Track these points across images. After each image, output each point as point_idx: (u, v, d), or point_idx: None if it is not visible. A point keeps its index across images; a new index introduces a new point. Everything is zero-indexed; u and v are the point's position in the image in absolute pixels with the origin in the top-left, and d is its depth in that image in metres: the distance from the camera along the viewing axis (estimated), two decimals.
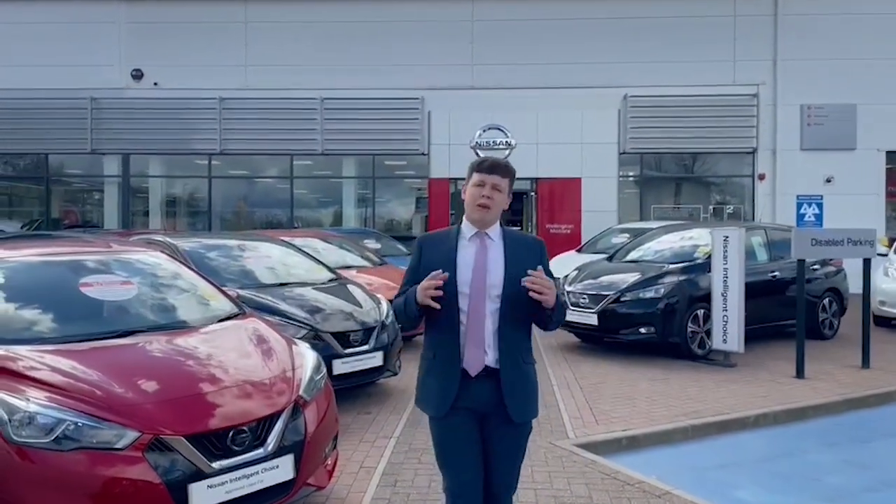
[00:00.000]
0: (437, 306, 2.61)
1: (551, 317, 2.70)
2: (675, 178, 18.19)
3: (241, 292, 6.05)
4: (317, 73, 16.86)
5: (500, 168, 2.78)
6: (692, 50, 16.57)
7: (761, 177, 16.83)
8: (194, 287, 4.60)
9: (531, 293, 2.58)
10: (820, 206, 16.68)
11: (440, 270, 2.61)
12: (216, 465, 3.18)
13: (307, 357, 4.06)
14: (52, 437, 2.98)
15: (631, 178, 17.67)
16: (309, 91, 16.88)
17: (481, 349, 2.68)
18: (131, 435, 3.05)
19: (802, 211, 16.73)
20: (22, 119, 17.31)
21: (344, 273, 9.21)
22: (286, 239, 10.07)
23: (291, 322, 5.78)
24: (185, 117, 17.33)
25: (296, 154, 17.65)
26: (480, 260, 2.70)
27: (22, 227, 17.91)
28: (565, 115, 16.61)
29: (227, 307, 4.49)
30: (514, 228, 3.00)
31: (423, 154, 17.07)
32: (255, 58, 17.23)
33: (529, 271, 2.59)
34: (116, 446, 3.03)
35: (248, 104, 17.10)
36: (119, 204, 18.07)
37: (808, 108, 16.63)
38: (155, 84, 17.42)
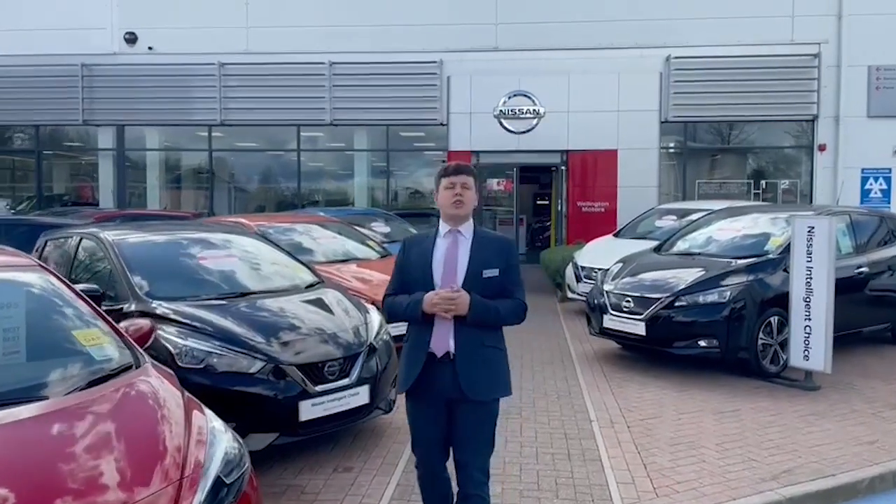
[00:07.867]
0: (448, 317, 2.96)
1: (478, 322, 2.98)
2: (722, 150, 16.35)
3: (178, 307, 4.59)
4: (324, 34, 15.30)
5: (465, 169, 3.09)
6: (745, 4, 14.63)
7: (822, 147, 14.94)
8: (71, 324, 3.13)
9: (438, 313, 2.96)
10: (888, 180, 14.82)
11: (454, 286, 2.95)
12: None
13: (217, 446, 2.58)
14: None
15: (672, 150, 15.88)
16: (316, 55, 15.36)
17: (448, 334, 3.00)
18: None
19: (868, 186, 14.85)
20: (7, 88, 16.03)
21: (343, 268, 7.80)
22: (282, 225, 8.70)
23: (241, 351, 4.30)
24: (182, 84, 15.98)
25: (303, 124, 16.19)
26: (451, 255, 3.05)
27: (13, 210, 16.59)
28: (600, 80, 14.86)
29: (115, 357, 3.01)
30: (487, 230, 3.25)
31: (441, 124, 15.45)
32: (257, 19, 15.73)
33: (437, 292, 2.94)
34: None
35: (250, 70, 15.68)
36: (115, 179, 16.78)
37: (876, 70, 14.67)
38: (150, 49, 16.03)
